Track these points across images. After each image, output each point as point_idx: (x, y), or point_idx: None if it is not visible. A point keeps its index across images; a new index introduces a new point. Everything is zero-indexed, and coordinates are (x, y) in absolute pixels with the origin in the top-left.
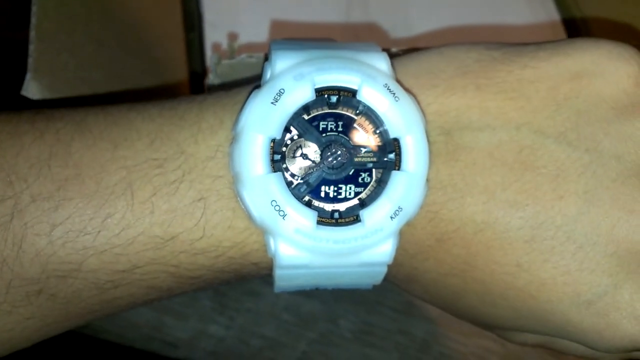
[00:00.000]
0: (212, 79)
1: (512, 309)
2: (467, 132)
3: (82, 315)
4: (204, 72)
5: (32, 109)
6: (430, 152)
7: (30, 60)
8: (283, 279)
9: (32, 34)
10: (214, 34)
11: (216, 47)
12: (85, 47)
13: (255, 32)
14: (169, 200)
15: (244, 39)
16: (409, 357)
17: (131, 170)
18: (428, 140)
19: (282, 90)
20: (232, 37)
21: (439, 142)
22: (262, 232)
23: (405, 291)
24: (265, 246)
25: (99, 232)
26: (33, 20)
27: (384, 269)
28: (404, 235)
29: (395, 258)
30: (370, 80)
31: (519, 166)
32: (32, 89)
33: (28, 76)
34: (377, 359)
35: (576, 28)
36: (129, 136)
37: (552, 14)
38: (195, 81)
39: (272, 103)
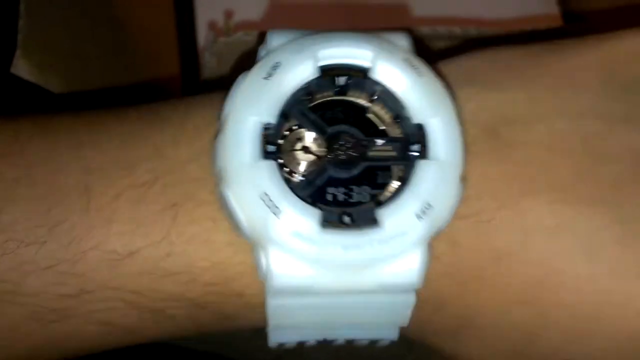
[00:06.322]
0: (207, 57)
1: (612, 347)
2: (518, 126)
3: None
4: (196, 52)
5: None
6: (470, 152)
7: (19, 37)
8: (278, 314)
9: (21, 7)
10: (206, 13)
11: (212, 25)
12: (78, 20)
13: (251, 10)
14: (134, 206)
15: (238, 17)
16: None
17: (93, 171)
18: (465, 138)
19: (277, 64)
20: (228, 14)
21: (482, 140)
22: (252, 246)
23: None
24: (254, 269)
25: (44, 242)
26: None
27: (412, 299)
28: (446, 258)
29: (437, 296)
30: (386, 53)
31: (589, 156)
32: (22, 67)
33: (17, 53)
34: None
35: (575, 21)
36: (98, 137)
37: (551, 7)
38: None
39: (264, 78)
